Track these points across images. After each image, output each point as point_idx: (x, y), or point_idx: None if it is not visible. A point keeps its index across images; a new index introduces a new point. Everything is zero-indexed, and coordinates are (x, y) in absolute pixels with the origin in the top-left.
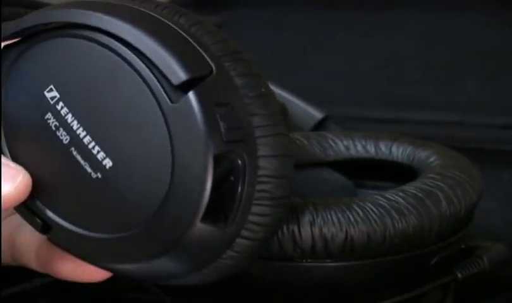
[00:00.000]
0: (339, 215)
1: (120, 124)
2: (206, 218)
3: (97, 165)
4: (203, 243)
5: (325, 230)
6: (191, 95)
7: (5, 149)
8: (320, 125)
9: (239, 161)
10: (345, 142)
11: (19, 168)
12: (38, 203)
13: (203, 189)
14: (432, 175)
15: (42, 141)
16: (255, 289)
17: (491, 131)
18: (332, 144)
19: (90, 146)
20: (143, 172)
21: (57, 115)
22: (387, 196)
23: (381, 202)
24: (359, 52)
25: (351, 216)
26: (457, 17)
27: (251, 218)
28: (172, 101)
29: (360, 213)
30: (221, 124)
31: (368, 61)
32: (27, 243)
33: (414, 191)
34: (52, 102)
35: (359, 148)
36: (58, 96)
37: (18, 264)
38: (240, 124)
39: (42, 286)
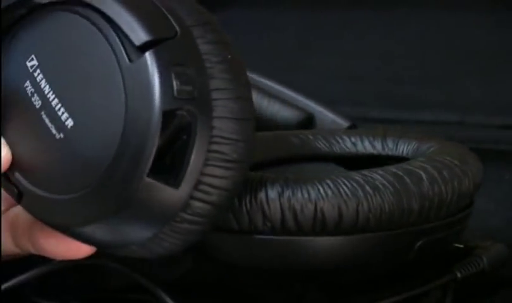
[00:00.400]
0: (309, 188)
1: (84, 85)
2: (154, 174)
3: (60, 125)
4: (153, 200)
5: (293, 201)
6: (147, 54)
7: None
8: None
9: (190, 120)
10: (352, 139)
11: (3, 142)
12: (16, 172)
13: (149, 143)
14: (420, 159)
15: (20, 109)
16: (227, 266)
17: (490, 131)
18: (339, 141)
19: (57, 108)
20: (99, 130)
21: (33, 82)
22: (363, 172)
23: (356, 177)
24: (358, 51)
25: (321, 189)
26: (456, 16)
27: (203, 178)
28: (130, 61)
29: (331, 186)
30: (174, 82)
31: (367, 61)
32: (24, 226)
33: (395, 170)
34: (31, 70)
35: (367, 144)
36: (37, 64)
37: (22, 251)
38: (194, 84)
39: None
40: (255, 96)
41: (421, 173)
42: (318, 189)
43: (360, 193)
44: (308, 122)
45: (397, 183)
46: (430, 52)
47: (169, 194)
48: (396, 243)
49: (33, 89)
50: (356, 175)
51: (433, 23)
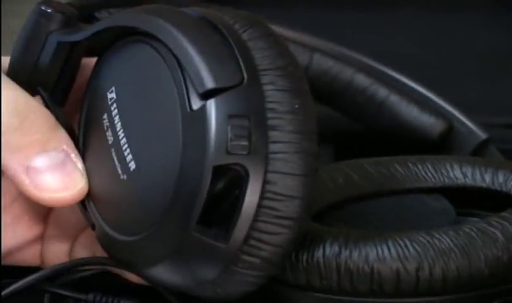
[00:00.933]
0: (368, 249)
1: (149, 127)
2: (203, 229)
3: (125, 166)
4: (201, 255)
5: (350, 263)
6: (208, 103)
7: (81, 136)
8: (482, 146)
9: (243, 175)
10: (463, 169)
11: (83, 174)
12: (90, 202)
13: (198, 198)
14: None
15: (96, 140)
16: None
17: (493, 130)
18: (449, 170)
19: (124, 147)
20: (156, 177)
21: (110, 116)
22: (432, 233)
23: (421, 239)
24: (358, 52)
25: (380, 251)
26: (458, 17)
27: (254, 233)
28: (191, 109)
29: (391, 247)
30: (229, 136)
31: None
32: None
33: (468, 230)
34: (109, 103)
35: (477, 175)
36: (115, 97)
37: None
38: (250, 138)
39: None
40: (393, 98)
41: (497, 233)
42: (377, 251)
43: (422, 257)
44: (446, 131)
45: (466, 246)
46: (431, 53)
47: (218, 250)
48: None
49: (108, 124)
50: (423, 236)
51: (434, 23)
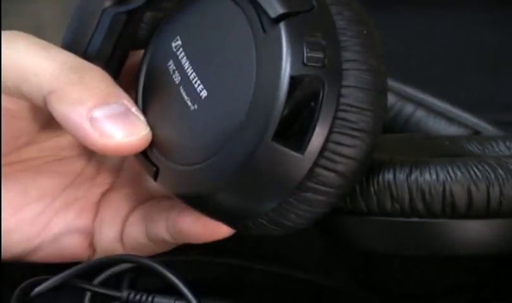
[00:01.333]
0: (438, 169)
1: (220, 57)
2: (279, 139)
3: (196, 97)
4: (277, 165)
5: (421, 182)
6: (281, 24)
7: (140, 100)
8: None
9: (320, 87)
10: (507, 143)
11: (145, 123)
12: (154, 149)
13: (276, 107)
14: None
15: (161, 88)
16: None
17: (499, 128)
18: (494, 145)
19: (194, 81)
20: (230, 99)
21: (176, 60)
22: (498, 157)
23: (489, 160)
24: None
25: (450, 170)
26: (456, 15)
27: (329, 145)
28: (265, 32)
29: (462, 167)
30: (305, 50)
31: None
32: (160, 213)
33: None
34: (174, 50)
35: None
36: (180, 43)
37: (154, 242)
38: (325, 52)
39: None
40: (420, 112)
41: None
42: (448, 170)
43: (492, 175)
44: None
45: None
46: (432, 52)
47: (293, 160)
48: None
49: (174, 67)
50: (490, 159)
51: (435, 22)
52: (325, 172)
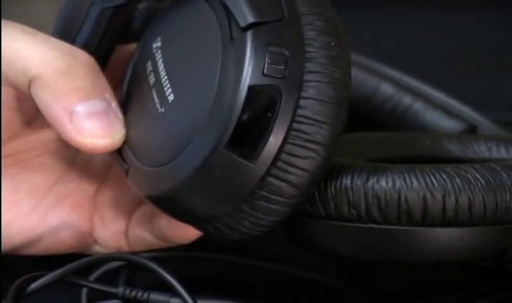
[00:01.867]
0: (395, 176)
1: (189, 61)
2: (233, 147)
3: (164, 100)
4: (229, 173)
5: (377, 189)
6: (248, 33)
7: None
8: None
9: (277, 98)
10: (488, 144)
11: (123, 123)
12: (126, 147)
13: (232, 115)
14: None
15: (137, 88)
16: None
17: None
18: (474, 144)
19: (165, 83)
20: (193, 103)
21: (153, 61)
22: (459, 165)
23: (447, 169)
24: (357, 51)
25: (407, 178)
26: (455, 14)
27: (282, 156)
28: (232, 39)
29: (419, 175)
30: (267, 60)
31: None
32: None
33: (494, 165)
34: (154, 51)
35: (502, 149)
36: (160, 45)
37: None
38: (286, 63)
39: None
40: (418, 104)
41: None
42: (404, 178)
43: (448, 184)
44: (470, 133)
45: (492, 178)
46: (432, 51)
47: (245, 168)
48: (489, 240)
49: (151, 68)
50: (449, 168)
51: (435, 21)
52: (276, 182)
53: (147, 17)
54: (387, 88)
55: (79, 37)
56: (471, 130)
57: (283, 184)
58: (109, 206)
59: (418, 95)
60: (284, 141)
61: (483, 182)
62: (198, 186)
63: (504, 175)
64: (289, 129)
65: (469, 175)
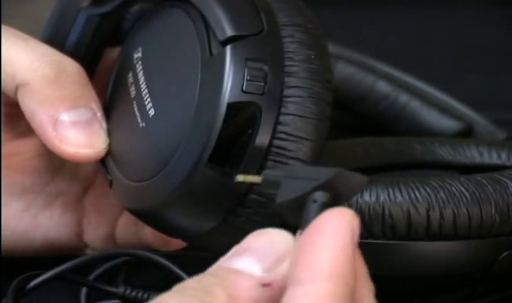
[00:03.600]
0: (379, 190)
1: (169, 75)
2: (214, 165)
3: (145, 114)
4: (210, 190)
5: (361, 203)
6: (227, 48)
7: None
8: None
9: (257, 114)
10: (480, 149)
11: (106, 134)
12: (109, 158)
13: (211, 133)
14: None
15: (119, 99)
16: None
17: (501, 128)
18: (466, 149)
19: (145, 97)
20: (173, 119)
21: (134, 73)
22: (443, 178)
23: (432, 182)
24: (358, 50)
25: (391, 192)
26: (455, 14)
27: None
28: (211, 54)
29: (403, 189)
30: (246, 76)
31: None
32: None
33: (480, 178)
34: (135, 62)
35: (493, 154)
36: (140, 56)
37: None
38: (266, 80)
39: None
40: (414, 103)
41: (509, 182)
42: (388, 192)
43: (432, 198)
44: (466, 132)
45: (477, 191)
46: (432, 51)
47: (227, 185)
48: (475, 253)
49: (132, 80)
50: (434, 181)
51: (435, 21)
52: (258, 198)
53: (138, 19)
54: (383, 86)
55: (68, 43)
56: (468, 129)
57: (265, 200)
58: (95, 210)
59: (414, 93)
60: (265, 158)
61: (468, 196)
62: (180, 203)
63: (490, 188)
64: (270, 145)
65: (454, 189)
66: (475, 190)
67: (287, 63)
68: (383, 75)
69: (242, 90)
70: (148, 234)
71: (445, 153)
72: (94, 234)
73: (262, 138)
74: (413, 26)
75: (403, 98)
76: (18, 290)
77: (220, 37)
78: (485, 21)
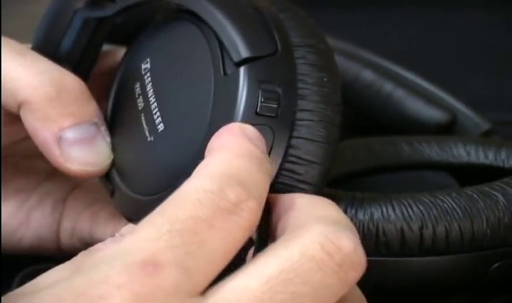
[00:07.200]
0: (373, 209)
1: (181, 91)
2: None
3: (153, 128)
4: None
5: (355, 221)
6: (241, 69)
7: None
8: (486, 136)
9: (269, 137)
10: (467, 147)
11: (110, 149)
12: (113, 169)
13: None
14: (506, 179)
15: (126, 109)
16: None
17: (501, 128)
18: (453, 148)
19: (154, 111)
20: (184, 137)
21: (142, 84)
22: (435, 194)
23: (424, 199)
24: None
25: (384, 210)
26: (456, 14)
27: None
28: (225, 74)
29: (396, 207)
30: (260, 98)
31: None
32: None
33: (470, 192)
34: (143, 73)
35: (480, 153)
36: (149, 67)
37: None
38: (280, 102)
39: None
40: (399, 92)
41: (499, 195)
42: (382, 210)
43: (425, 216)
44: (451, 123)
45: (469, 207)
46: (434, 52)
47: None
48: (467, 267)
49: (140, 91)
50: (426, 197)
51: (437, 22)
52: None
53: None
54: (368, 74)
55: (63, 47)
56: (451, 118)
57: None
58: (68, 209)
59: (399, 82)
60: (276, 180)
61: (460, 212)
62: None
63: (481, 203)
64: (281, 168)
65: (446, 205)
66: (466, 206)
67: (300, 85)
68: (368, 64)
69: (256, 112)
70: (106, 235)
71: (433, 152)
72: (63, 231)
73: (274, 160)
74: (416, 27)
75: (388, 86)
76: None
77: (235, 58)
78: (488, 22)
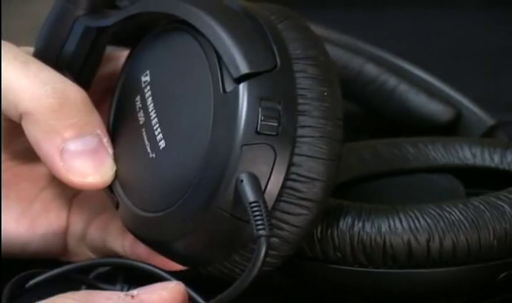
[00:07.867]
0: (380, 221)
1: (181, 108)
2: (227, 205)
3: (155, 145)
4: (223, 230)
5: (363, 234)
6: (241, 86)
7: (110, 124)
8: (490, 132)
9: (270, 156)
10: (473, 150)
11: (112, 161)
12: (116, 181)
13: (224, 176)
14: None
15: (127, 122)
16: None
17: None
18: (459, 150)
19: (155, 127)
20: (185, 155)
21: (143, 97)
22: (442, 205)
23: (431, 211)
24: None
25: (392, 223)
26: (458, 14)
27: (275, 214)
28: (224, 91)
29: (403, 220)
30: (260, 117)
31: None
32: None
33: (477, 203)
34: (143, 86)
35: (486, 155)
36: (149, 80)
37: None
38: (280, 120)
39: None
40: (403, 86)
41: (506, 206)
42: (389, 223)
43: (433, 229)
44: (455, 118)
45: (475, 219)
46: (433, 51)
47: (239, 226)
48: (473, 277)
49: (140, 105)
50: (433, 209)
51: (436, 22)
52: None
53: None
54: (372, 69)
55: (64, 55)
56: (455, 113)
57: (275, 240)
58: (75, 213)
59: (402, 76)
60: (278, 199)
61: (467, 224)
62: (190, 239)
63: (488, 214)
64: (283, 187)
65: (453, 217)
66: (473, 218)
67: (300, 101)
68: (371, 57)
69: (256, 131)
70: (118, 247)
71: (439, 155)
72: (71, 236)
73: (275, 179)
74: (412, 27)
75: (392, 81)
76: (16, 288)
77: (234, 74)
78: (485, 22)
